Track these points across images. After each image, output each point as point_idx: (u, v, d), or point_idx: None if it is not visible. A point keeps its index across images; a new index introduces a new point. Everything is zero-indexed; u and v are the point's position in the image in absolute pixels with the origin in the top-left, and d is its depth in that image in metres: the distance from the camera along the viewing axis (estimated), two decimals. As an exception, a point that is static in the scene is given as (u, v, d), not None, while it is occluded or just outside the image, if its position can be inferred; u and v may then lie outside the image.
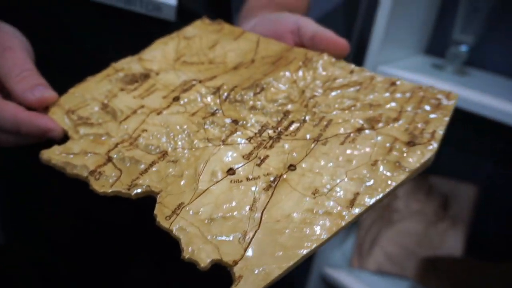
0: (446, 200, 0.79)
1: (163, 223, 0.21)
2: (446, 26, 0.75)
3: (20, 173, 0.50)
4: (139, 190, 0.23)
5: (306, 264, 1.18)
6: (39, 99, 0.28)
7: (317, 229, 0.20)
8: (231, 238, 0.20)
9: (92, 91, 0.30)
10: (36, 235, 0.53)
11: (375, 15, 0.60)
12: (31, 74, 0.28)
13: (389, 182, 0.22)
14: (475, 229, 0.79)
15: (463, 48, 0.65)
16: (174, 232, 0.21)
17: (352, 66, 0.30)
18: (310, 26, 0.33)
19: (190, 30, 0.37)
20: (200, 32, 0.37)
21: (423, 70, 0.65)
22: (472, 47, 0.67)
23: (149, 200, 0.25)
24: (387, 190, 0.22)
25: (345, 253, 0.85)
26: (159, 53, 0.34)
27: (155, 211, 0.22)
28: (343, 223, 0.20)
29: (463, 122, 0.75)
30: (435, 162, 0.82)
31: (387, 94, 0.27)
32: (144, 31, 0.42)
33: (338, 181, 0.22)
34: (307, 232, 0.20)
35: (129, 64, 0.32)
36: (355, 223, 0.87)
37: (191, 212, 0.22)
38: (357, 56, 0.89)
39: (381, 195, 0.22)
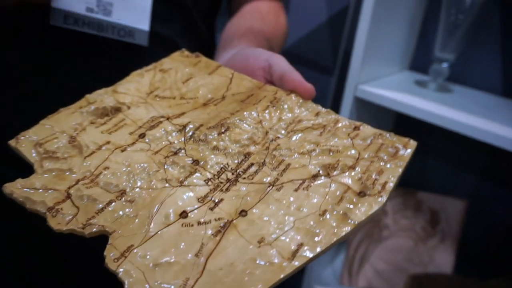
0: (435, 216, 0.79)
1: (111, 265, 0.21)
2: (429, 43, 0.76)
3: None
4: (93, 230, 0.23)
5: (296, 282, 1.17)
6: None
7: (256, 280, 0.20)
8: (172, 286, 0.20)
9: (62, 124, 0.30)
10: (22, 252, 0.53)
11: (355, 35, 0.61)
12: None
13: (334, 233, 0.22)
14: (465, 243, 0.78)
15: (445, 66, 0.65)
16: (119, 275, 0.21)
17: (319, 107, 0.31)
18: (280, 65, 0.34)
19: (167, 62, 0.38)
20: (176, 65, 0.37)
21: (405, 88, 0.66)
22: (454, 64, 0.67)
23: None
24: (331, 242, 0.22)
25: (335, 270, 0.84)
26: (133, 86, 0.34)
27: (105, 252, 0.22)
28: (282, 276, 0.21)
29: (448, 138, 0.76)
30: (423, 178, 0.83)
31: (348, 141, 0.28)
32: (117, 57, 0.42)
33: (285, 229, 0.23)
34: (247, 282, 0.20)
35: (102, 96, 0.33)
36: (343, 241, 0.87)
37: (138, 255, 0.22)
38: (341, 75, 0.90)
39: (324, 247, 0.22)
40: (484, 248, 0.78)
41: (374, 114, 0.73)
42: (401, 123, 0.82)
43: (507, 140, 0.52)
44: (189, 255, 0.22)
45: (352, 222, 0.23)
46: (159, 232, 0.23)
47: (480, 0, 0.60)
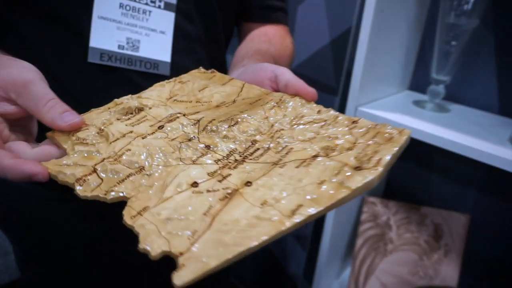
0: (438, 230, 0.81)
1: (128, 221, 0.25)
2: (427, 63, 0.79)
3: (35, 212, 0.55)
4: (113, 194, 0.27)
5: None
6: (70, 125, 0.32)
7: (259, 232, 0.23)
8: (182, 234, 0.23)
9: (93, 119, 0.34)
10: (50, 269, 0.58)
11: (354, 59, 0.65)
12: (56, 103, 0.32)
13: (331, 197, 0.24)
14: (468, 257, 0.80)
15: (441, 87, 0.68)
16: (135, 228, 0.24)
17: (320, 107, 0.34)
18: (285, 74, 0.38)
19: (186, 76, 0.42)
20: (194, 78, 0.41)
21: (404, 109, 0.69)
22: (451, 83, 0.70)
23: None
24: (328, 204, 0.24)
25: (342, 284, 0.87)
26: (155, 93, 0.39)
27: (124, 211, 0.25)
28: (283, 228, 0.23)
29: (449, 155, 0.79)
30: (426, 193, 0.86)
31: (346, 129, 0.30)
32: (143, 85, 0.48)
33: (285, 195, 0.25)
34: (250, 234, 0.23)
35: (128, 100, 0.37)
36: (350, 254, 0.89)
37: (152, 214, 0.25)
38: (344, 94, 0.94)
39: (321, 208, 0.24)
40: (488, 261, 0.80)
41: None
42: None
43: (502, 160, 0.55)
44: (198, 214, 0.24)
45: (348, 187, 0.24)
46: (172, 197, 0.26)
47: (472, 26, 0.63)
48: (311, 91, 0.35)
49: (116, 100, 0.37)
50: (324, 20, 0.95)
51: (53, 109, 0.31)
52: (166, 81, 0.41)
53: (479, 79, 0.73)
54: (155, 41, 0.48)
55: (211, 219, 0.24)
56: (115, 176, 0.28)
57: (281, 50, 0.58)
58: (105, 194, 0.27)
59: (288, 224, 0.23)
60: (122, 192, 0.27)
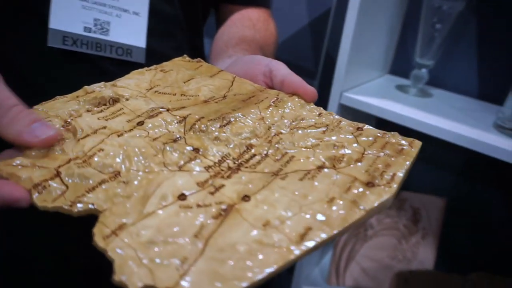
0: (417, 214, 0.82)
1: (100, 243, 0.20)
2: (408, 47, 0.78)
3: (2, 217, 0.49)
4: (80, 206, 0.22)
5: (284, 283, 1.19)
6: (43, 140, 0.24)
7: (262, 262, 0.19)
8: (168, 263, 0.19)
9: (57, 110, 0.29)
10: (17, 277, 0.53)
11: (340, 42, 0.62)
12: (21, 110, 0.24)
13: (344, 219, 0.21)
14: (445, 239, 0.82)
15: (424, 71, 0.68)
16: (108, 253, 0.20)
17: (321, 109, 0.31)
18: (281, 70, 0.34)
19: (168, 65, 0.37)
20: (177, 67, 0.37)
21: (387, 94, 0.67)
22: (433, 68, 0.70)
23: None
24: (341, 227, 0.21)
25: (323, 270, 0.87)
26: (133, 82, 0.34)
27: (94, 229, 0.21)
28: (292, 257, 0.19)
29: (428, 140, 0.79)
30: (406, 178, 0.85)
31: (351, 137, 0.28)
32: (115, 74, 0.43)
33: (290, 214, 0.22)
34: (251, 264, 0.19)
35: (101, 88, 0.32)
36: (331, 241, 0.89)
37: (131, 234, 0.20)
38: (324, 78, 0.92)
39: (334, 231, 0.21)
40: (462, 243, 0.82)
41: (357, 118, 0.75)
42: (382, 125, 0.84)
43: (485, 145, 0.55)
44: (188, 236, 0.20)
45: (363, 208, 0.22)
46: (154, 212, 0.22)
47: (457, 10, 0.62)
48: (311, 90, 0.32)
49: (86, 87, 0.32)
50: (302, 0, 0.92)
51: (18, 120, 0.24)
52: (146, 68, 0.36)
53: (460, 64, 0.73)
54: (128, 23, 0.42)
55: (203, 243, 0.20)
56: (84, 183, 0.23)
57: (266, 37, 0.53)
58: (71, 206, 0.22)
59: (297, 252, 0.20)
60: (93, 204, 0.22)
